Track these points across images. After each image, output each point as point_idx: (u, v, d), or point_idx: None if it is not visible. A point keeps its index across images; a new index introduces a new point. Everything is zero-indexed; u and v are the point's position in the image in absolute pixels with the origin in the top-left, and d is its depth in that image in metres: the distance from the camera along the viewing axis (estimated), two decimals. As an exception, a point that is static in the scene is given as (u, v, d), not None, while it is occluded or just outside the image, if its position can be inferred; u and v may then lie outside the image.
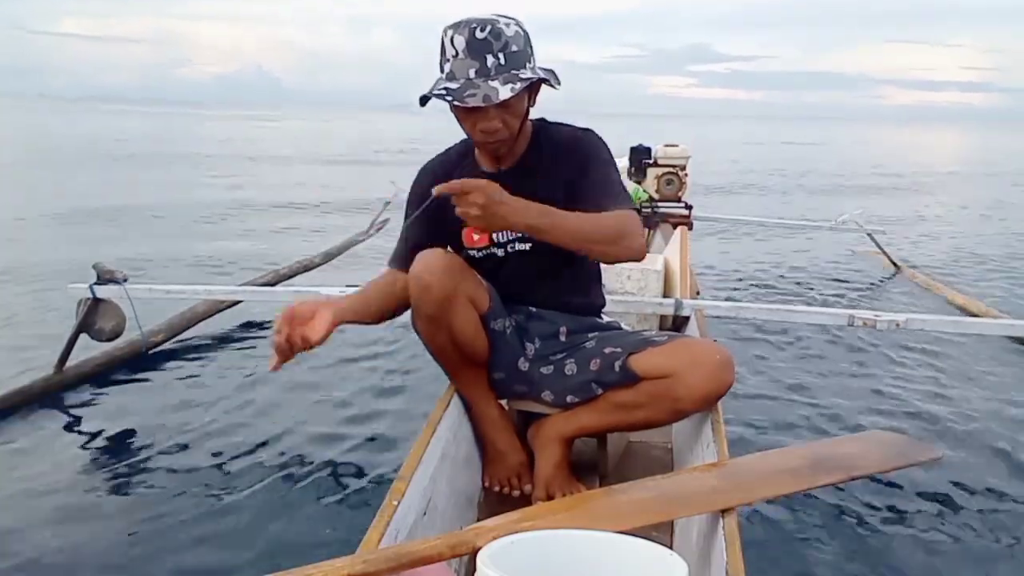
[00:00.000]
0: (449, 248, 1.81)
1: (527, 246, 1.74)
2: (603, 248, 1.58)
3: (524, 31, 1.58)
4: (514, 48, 1.54)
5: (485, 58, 1.52)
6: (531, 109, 1.69)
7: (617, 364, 1.65)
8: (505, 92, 1.50)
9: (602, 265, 1.94)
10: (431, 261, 1.65)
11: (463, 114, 1.60)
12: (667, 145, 5.63)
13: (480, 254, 1.78)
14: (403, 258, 1.78)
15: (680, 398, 1.60)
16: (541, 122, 1.77)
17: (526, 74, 1.55)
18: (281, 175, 13.55)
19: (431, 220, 1.80)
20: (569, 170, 1.69)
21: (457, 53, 1.54)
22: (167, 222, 7.59)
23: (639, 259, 1.63)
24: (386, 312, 1.79)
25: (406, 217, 1.86)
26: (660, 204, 5.38)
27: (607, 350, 1.70)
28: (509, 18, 1.58)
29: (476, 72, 1.52)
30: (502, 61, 1.52)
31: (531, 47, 1.60)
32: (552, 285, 1.80)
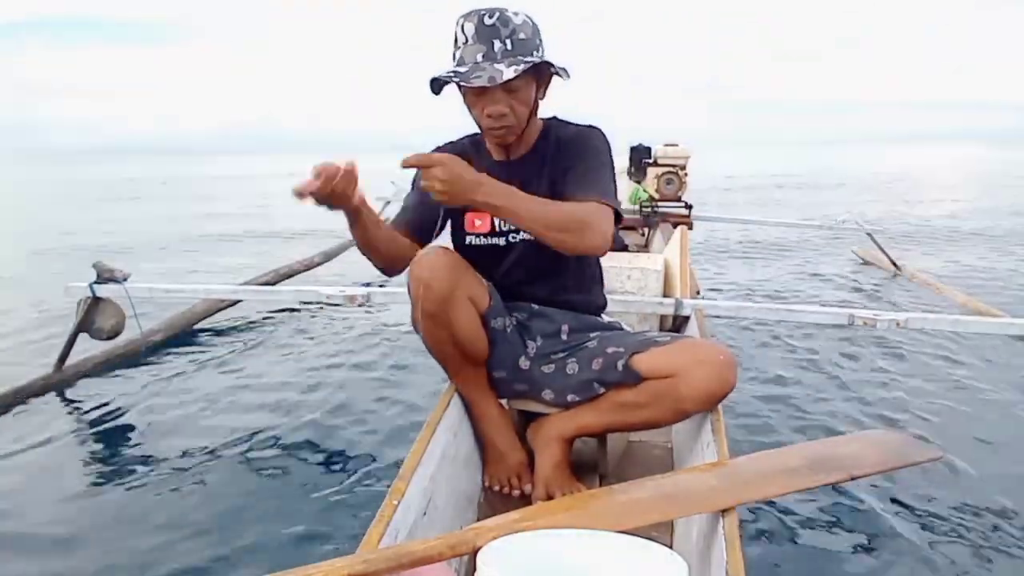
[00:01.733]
0: (450, 230, 1.83)
1: (532, 236, 1.75)
2: (560, 236, 1.55)
3: (533, 23, 1.62)
4: (521, 36, 1.58)
5: (492, 43, 1.56)
6: (540, 102, 1.71)
7: (620, 363, 1.65)
8: (509, 73, 1.53)
9: (603, 265, 1.94)
10: (432, 260, 1.65)
11: (472, 99, 1.63)
12: (667, 144, 5.63)
13: (481, 241, 1.79)
14: (408, 224, 1.81)
15: (683, 398, 1.60)
16: (553, 119, 1.79)
17: (531, 58, 1.58)
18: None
19: (437, 202, 1.81)
20: (568, 162, 1.70)
21: (467, 40, 1.58)
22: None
23: (600, 254, 1.64)
24: (382, 253, 1.73)
25: (413, 190, 1.84)
26: (660, 203, 5.39)
27: (610, 349, 1.70)
28: (520, 10, 1.62)
29: (483, 56, 1.57)
30: (509, 46, 1.57)
31: (540, 38, 1.63)
32: (554, 282, 1.80)
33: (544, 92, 1.70)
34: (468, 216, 1.79)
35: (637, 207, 5.60)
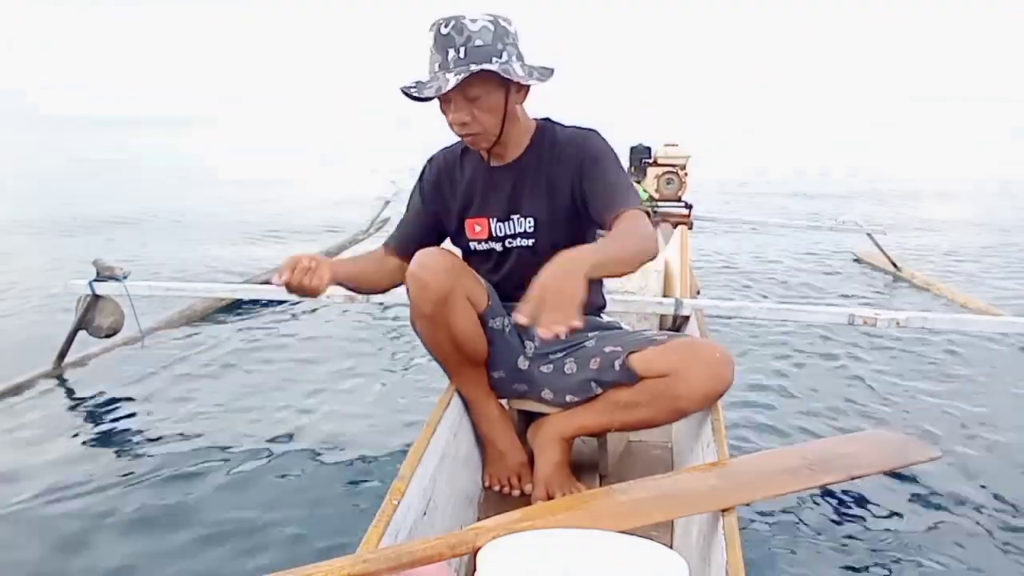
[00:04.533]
0: (450, 239, 1.84)
1: (529, 242, 1.75)
2: (640, 261, 1.54)
3: (496, 26, 1.57)
4: (478, 43, 1.54)
5: (447, 52, 1.55)
6: (520, 105, 1.68)
7: (617, 363, 1.65)
8: (452, 82, 1.51)
9: None
10: (429, 260, 1.66)
11: (443, 107, 1.63)
12: (667, 144, 5.63)
13: (481, 246, 1.80)
14: (398, 245, 1.85)
15: (680, 397, 1.60)
16: (546, 121, 1.77)
17: (477, 66, 1.52)
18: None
19: (433, 212, 1.84)
20: (571, 173, 1.68)
21: (430, 51, 1.58)
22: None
23: (655, 256, 1.59)
24: (375, 286, 1.86)
25: (408, 205, 1.90)
26: (660, 203, 5.39)
27: (607, 349, 1.70)
28: (486, 14, 1.58)
29: (439, 66, 1.56)
30: (462, 55, 1.54)
31: (505, 42, 1.58)
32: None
33: (521, 98, 1.67)
34: (468, 223, 1.79)
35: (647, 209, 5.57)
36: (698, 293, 4.26)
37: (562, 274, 1.31)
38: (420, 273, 1.65)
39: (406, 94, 1.60)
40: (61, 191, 9.74)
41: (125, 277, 3.03)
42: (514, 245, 1.77)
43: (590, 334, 1.79)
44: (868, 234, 5.63)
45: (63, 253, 5.72)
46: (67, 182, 10.96)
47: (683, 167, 5.43)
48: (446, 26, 1.55)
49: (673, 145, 5.61)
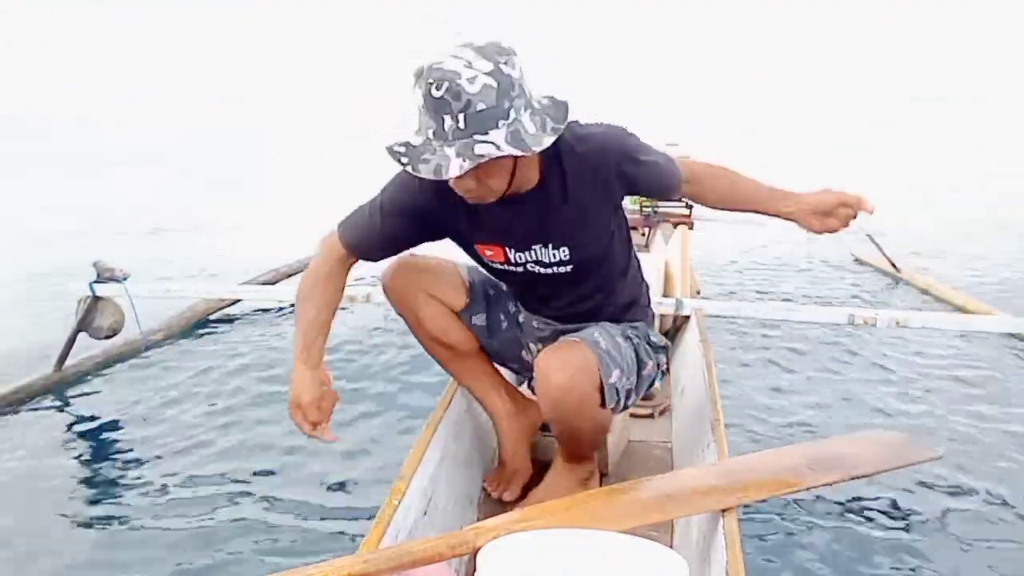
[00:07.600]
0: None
1: (566, 269, 1.61)
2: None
3: (500, 79, 1.29)
4: (480, 107, 1.28)
5: (443, 119, 1.29)
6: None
7: None
8: (455, 168, 1.28)
9: None
10: (391, 268, 1.74)
11: None
12: (668, 144, 5.62)
13: (496, 266, 1.67)
14: (361, 248, 1.60)
15: (540, 396, 1.57)
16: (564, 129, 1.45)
17: (485, 147, 1.29)
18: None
19: (431, 229, 1.63)
20: (602, 191, 1.54)
21: (421, 106, 1.32)
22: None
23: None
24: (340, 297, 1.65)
25: (383, 202, 1.60)
26: (660, 203, 5.38)
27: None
28: (485, 64, 1.29)
29: (434, 133, 1.30)
30: (461, 124, 1.28)
31: (511, 96, 1.31)
32: (590, 302, 1.71)
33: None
34: (478, 247, 1.64)
35: (637, 207, 5.59)
36: (698, 293, 4.25)
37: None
38: (381, 279, 1.76)
39: (396, 159, 1.34)
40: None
41: (125, 278, 3.03)
42: (534, 270, 1.62)
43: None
44: (868, 235, 5.63)
45: (62, 254, 5.72)
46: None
47: (683, 167, 5.42)
48: (438, 88, 1.27)
49: (674, 145, 5.60)
